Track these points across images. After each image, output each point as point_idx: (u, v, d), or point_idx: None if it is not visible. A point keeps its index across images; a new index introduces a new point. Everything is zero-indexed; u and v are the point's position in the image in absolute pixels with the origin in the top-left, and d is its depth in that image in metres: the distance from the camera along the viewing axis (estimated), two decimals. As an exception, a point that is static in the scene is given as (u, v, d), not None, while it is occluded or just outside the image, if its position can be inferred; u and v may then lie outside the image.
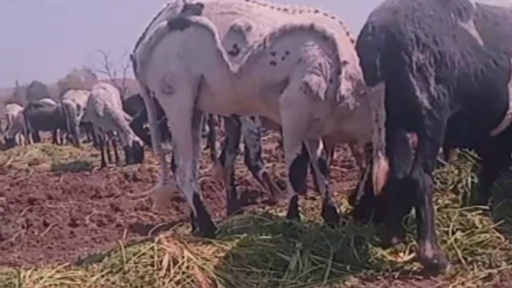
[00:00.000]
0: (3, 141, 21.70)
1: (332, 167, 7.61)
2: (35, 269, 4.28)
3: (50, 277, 4.09)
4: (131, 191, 9.25)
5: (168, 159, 5.30)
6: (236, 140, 6.88)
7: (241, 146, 7.33)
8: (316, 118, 4.74)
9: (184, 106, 4.86)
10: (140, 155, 12.66)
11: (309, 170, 5.99)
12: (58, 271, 4.20)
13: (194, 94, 4.83)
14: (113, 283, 4.08)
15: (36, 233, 6.86)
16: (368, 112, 4.26)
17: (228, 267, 4.20)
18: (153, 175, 10.41)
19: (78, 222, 7.21)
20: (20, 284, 3.99)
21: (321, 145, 5.03)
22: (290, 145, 4.83)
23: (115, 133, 13.29)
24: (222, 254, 4.34)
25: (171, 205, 7.51)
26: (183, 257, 4.21)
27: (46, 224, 7.06)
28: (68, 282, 4.09)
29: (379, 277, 4.10)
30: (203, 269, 4.17)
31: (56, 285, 4.05)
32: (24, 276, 4.06)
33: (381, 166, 4.04)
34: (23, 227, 7.04)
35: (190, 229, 5.48)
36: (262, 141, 7.63)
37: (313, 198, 5.83)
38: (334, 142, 6.53)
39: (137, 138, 12.68)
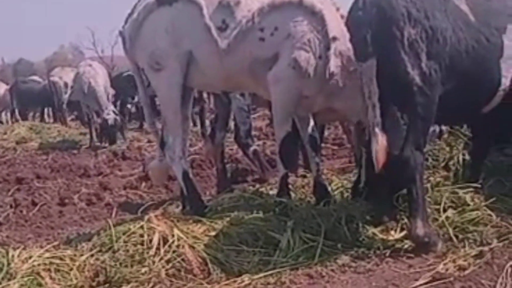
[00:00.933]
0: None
1: (323, 145, 7.58)
2: (24, 249, 4.25)
3: (39, 256, 4.06)
4: (120, 170, 9.21)
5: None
6: (226, 118, 6.83)
7: (231, 124, 7.29)
8: (305, 95, 4.70)
9: (173, 83, 4.82)
10: (112, 134, 12.38)
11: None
12: (47, 251, 4.18)
13: (183, 71, 4.79)
14: (103, 262, 4.05)
15: (24, 212, 6.82)
16: (358, 89, 4.22)
17: (218, 246, 4.18)
18: (142, 153, 10.37)
19: (66, 201, 7.18)
20: (8, 264, 3.95)
21: (311, 123, 4.99)
22: (279, 122, 4.78)
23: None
24: (212, 233, 4.31)
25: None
26: (173, 236, 4.17)
27: (34, 204, 7.03)
28: (57, 261, 4.06)
29: (370, 255, 4.08)
30: (193, 248, 4.14)
31: (45, 264, 4.01)
32: (13, 256, 4.03)
33: (380, 143, 3.94)
34: (11, 206, 7.00)
35: (180, 207, 5.46)
36: (252, 119, 7.57)
37: (304, 176, 5.81)
38: (324, 120, 6.49)
39: (108, 116, 12.35)
